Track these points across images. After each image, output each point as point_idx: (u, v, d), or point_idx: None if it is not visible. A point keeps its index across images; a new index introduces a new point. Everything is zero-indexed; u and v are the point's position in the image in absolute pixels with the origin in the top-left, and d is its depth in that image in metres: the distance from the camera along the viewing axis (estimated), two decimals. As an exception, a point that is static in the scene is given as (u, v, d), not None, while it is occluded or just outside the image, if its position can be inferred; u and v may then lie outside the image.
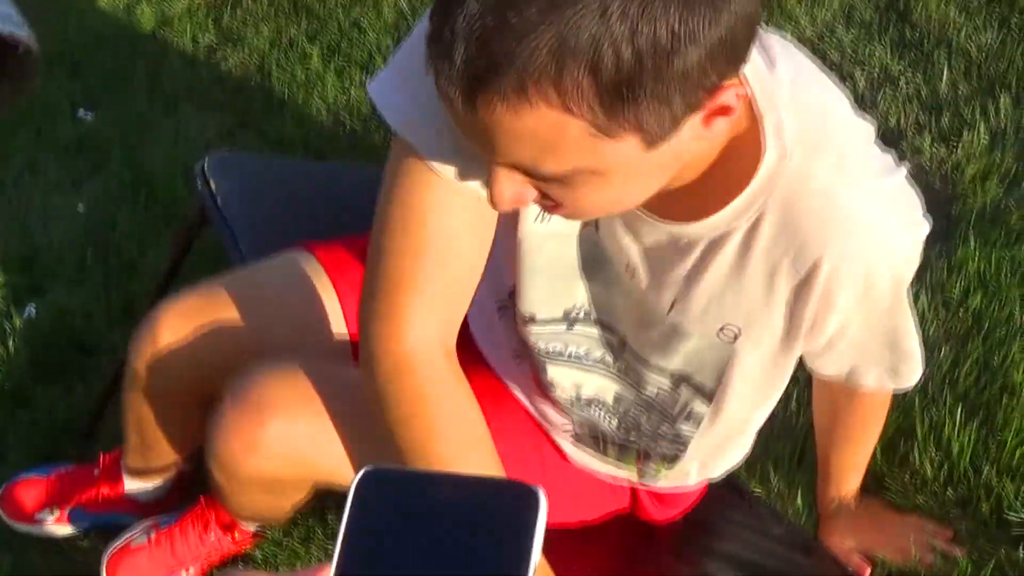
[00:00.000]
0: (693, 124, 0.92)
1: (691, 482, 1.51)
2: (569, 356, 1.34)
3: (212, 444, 1.39)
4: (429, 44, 0.86)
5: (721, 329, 1.17)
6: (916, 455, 1.80)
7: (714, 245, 1.10)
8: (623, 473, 1.47)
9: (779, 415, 1.89)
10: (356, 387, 1.25)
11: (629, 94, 0.83)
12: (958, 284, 2.09)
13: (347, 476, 1.13)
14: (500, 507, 0.52)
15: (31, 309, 2.77)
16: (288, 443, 1.33)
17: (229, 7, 3.59)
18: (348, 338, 1.56)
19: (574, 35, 0.79)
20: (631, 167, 0.92)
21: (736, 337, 1.17)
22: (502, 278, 1.34)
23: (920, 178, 2.26)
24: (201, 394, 1.56)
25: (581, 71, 0.81)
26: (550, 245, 1.24)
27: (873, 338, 1.21)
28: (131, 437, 1.78)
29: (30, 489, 2.00)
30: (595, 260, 1.23)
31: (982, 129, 2.39)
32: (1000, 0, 2.74)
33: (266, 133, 2.98)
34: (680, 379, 1.27)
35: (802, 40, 2.74)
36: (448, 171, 1.12)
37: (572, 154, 0.88)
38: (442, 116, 0.93)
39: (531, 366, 1.41)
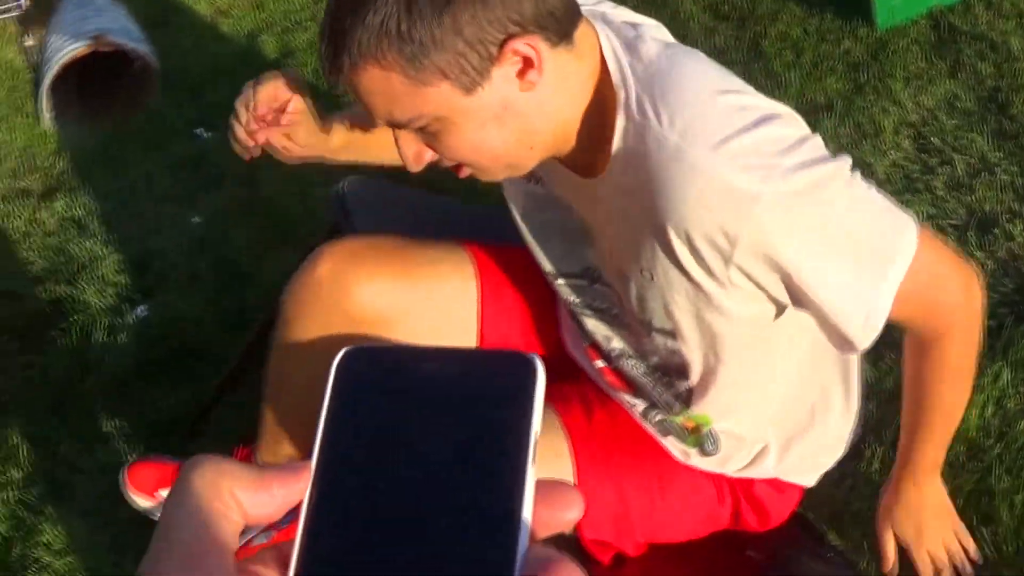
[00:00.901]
0: (505, 75, 1.18)
1: (770, 465, 1.57)
2: (595, 310, 1.51)
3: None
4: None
5: (641, 271, 1.30)
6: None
7: (610, 197, 1.29)
8: (689, 448, 1.56)
9: (861, 472, 2.01)
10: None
11: (419, 48, 1.13)
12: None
13: None
14: (495, 379, 0.50)
15: (142, 309, 2.95)
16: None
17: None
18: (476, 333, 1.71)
19: (373, 19, 1.13)
20: (466, 112, 1.19)
21: (652, 278, 1.29)
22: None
23: (1010, 263, 2.40)
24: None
25: (383, 38, 1.13)
26: (547, 208, 1.48)
27: (834, 276, 1.23)
28: (266, 416, 1.88)
29: (155, 470, 2.13)
30: (569, 227, 1.45)
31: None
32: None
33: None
34: (647, 327, 1.40)
35: (906, 124, 2.89)
36: None
37: (408, 102, 1.18)
38: None
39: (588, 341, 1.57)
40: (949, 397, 1.47)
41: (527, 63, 1.18)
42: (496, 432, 0.48)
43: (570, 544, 1.53)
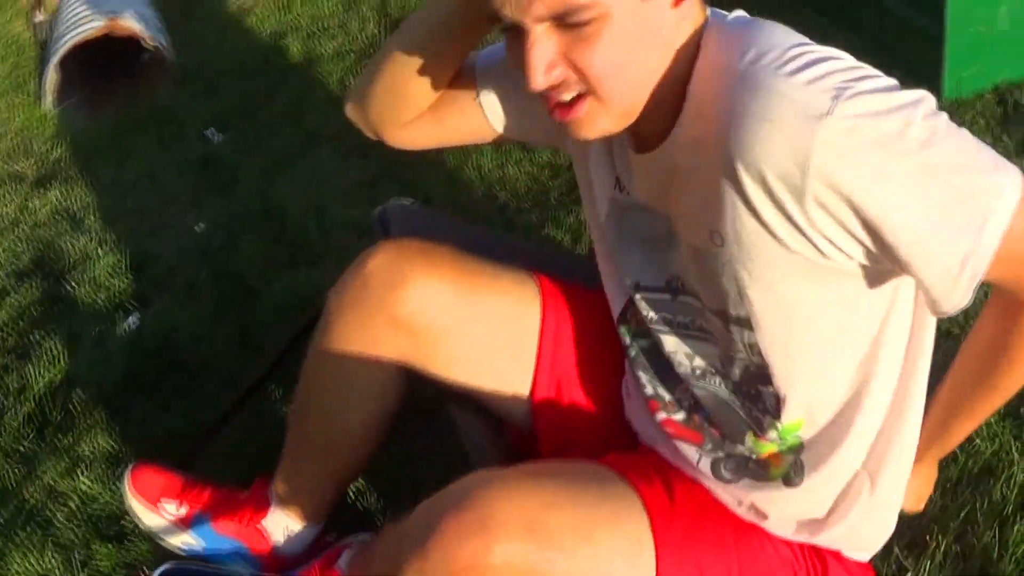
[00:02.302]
0: None
1: (863, 497, 1.43)
2: (677, 325, 1.42)
3: (427, 545, 1.31)
4: None
5: (712, 237, 1.22)
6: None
7: (679, 156, 1.24)
8: (768, 490, 1.44)
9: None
10: (589, 505, 1.36)
11: None
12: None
13: None
14: None
15: (134, 319, 2.79)
16: (514, 568, 1.31)
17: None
18: (532, 373, 1.63)
19: None
20: (633, 17, 1.14)
21: (723, 242, 1.20)
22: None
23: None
24: (392, 367, 1.64)
25: None
26: (631, 216, 1.40)
27: (927, 220, 1.09)
28: (291, 434, 1.79)
29: (161, 478, 1.97)
30: (650, 234, 1.38)
31: None
32: None
33: (412, 190, 3.01)
34: (724, 316, 1.29)
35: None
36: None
37: None
38: None
39: (654, 388, 1.49)
40: (1016, 379, 1.36)
41: None
42: None
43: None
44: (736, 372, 1.37)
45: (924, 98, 1.08)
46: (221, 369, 2.50)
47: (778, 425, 1.37)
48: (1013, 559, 1.81)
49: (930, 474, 1.63)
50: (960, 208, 1.08)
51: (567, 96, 1.19)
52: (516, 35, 1.18)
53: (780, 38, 1.15)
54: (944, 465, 1.95)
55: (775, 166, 1.08)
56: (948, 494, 1.94)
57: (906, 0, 3.14)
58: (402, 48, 1.47)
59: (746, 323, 1.28)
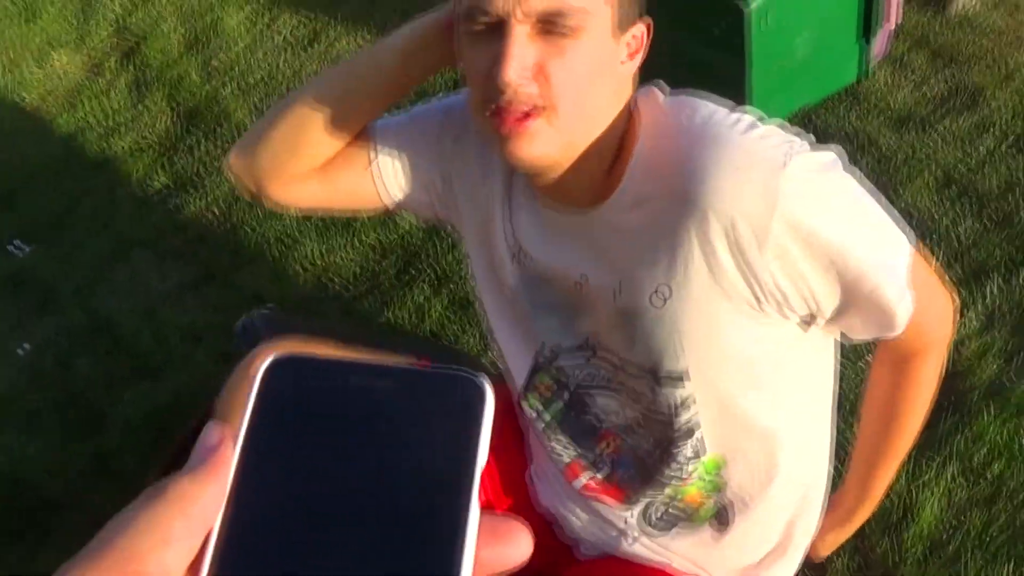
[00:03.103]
0: (627, 41, 1.28)
1: (793, 551, 1.60)
2: (600, 381, 1.49)
3: None
4: None
5: (653, 295, 1.30)
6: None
7: (624, 215, 1.31)
8: (699, 533, 1.55)
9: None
10: None
11: None
12: (979, 453, 2.31)
13: None
14: (439, 400, 0.47)
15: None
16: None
17: (183, 150, 3.67)
18: None
19: None
20: (601, 46, 1.24)
21: (669, 295, 1.29)
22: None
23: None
24: None
25: None
26: (538, 281, 1.46)
27: (829, 286, 1.27)
28: None
29: None
30: (560, 300, 1.45)
31: (979, 308, 2.65)
32: (971, 192, 3.05)
33: (240, 288, 3.02)
34: (655, 375, 1.38)
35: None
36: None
37: None
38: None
39: (585, 456, 1.56)
40: (916, 419, 1.56)
41: (635, 50, 1.31)
42: (438, 458, 0.46)
43: None
44: (659, 424, 1.45)
45: (841, 155, 1.27)
46: (82, 503, 2.46)
47: (699, 464, 1.47)
48: (912, 560, 2.01)
49: (851, 527, 1.74)
50: (890, 242, 1.30)
51: (522, 107, 1.23)
52: (487, 35, 1.22)
53: (714, 103, 1.29)
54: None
55: (744, 211, 1.20)
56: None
57: (705, 43, 3.30)
58: (315, 96, 1.47)
59: (679, 377, 1.36)
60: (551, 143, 1.25)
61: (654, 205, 1.27)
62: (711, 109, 1.27)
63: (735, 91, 3.22)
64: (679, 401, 1.39)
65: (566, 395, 1.53)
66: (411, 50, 1.41)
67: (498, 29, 1.21)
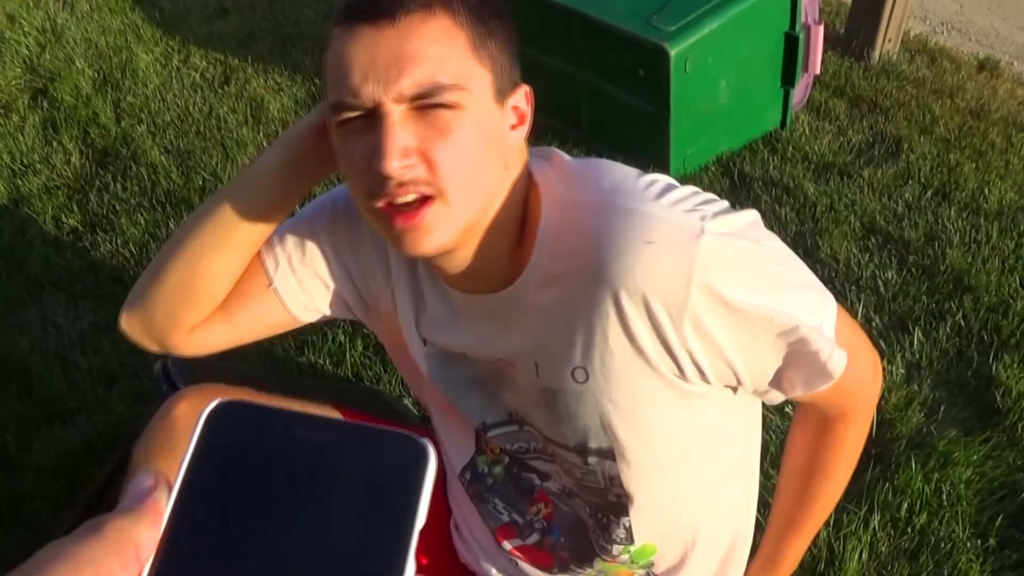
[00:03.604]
0: (507, 113, 1.24)
1: None
2: (535, 451, 1.47)
3: None
4: (346, 14, 1.18)
5: (573, 373, 1.26)
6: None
7: (534, 294, 1.26)
8: None
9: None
10: None
11: (489, 29, 1.20)
12: (904, 504, 2.33)
13: None
14: (382, 458, 0.48)
15: None
16: None
17: (95, 190, 3.61)
18: None
19: None
20: (484, 115, 1.19)
21: (587, 376, 1.26)
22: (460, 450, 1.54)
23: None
24: None
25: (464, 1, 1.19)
26: (452, 363, 1.43)
27: (756, 353, 1.24)
28: None
29: None
30: (480, 377, 1.42)
31: (900, 362, 2.69)
32: (894, 241, 3.11)
33: (155, 329, 2.98)
34: (583, 450, 1.36)
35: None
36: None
37: (460, 65, 1.17)
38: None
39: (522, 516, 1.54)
40: (837, 484, 1.54)
41: (520, 119, 1.26)
42: (376, 515, 0.46)
43: None
44: (591, 498, 1.44)
45: (758, 217, 1.23)
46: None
47: (631, 549, 1.47)
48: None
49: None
50: (813, 300, 1.25)
51: (410, 197, 1.16)
52: (361, 126, 1.17)
53: (620, 170, 1.24)
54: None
55: (658, 287, 1.15)
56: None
57: (628, 88, 3.33)
58: (200, 235, 1.41)
59: (608, 454, 1.34)
60: (447, 230, 1.19)
61: (566, 283, 1.23)
62: (619, 175, 1.23)
63: (658, 134, 3.28)
64: (611, 474, 1.37)
65: (507, 459, 1.52)
66: (288, 167, 1.36)
67: (371, 117, 1.16)
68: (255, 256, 1.45)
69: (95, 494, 2.12)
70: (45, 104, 4.19)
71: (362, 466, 0.47)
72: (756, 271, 1.19)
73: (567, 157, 1.31)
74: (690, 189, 1.22)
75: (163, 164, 3.72)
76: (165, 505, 0.47)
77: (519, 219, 1.27)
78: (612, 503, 1.41)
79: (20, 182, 3.71)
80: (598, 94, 3.43)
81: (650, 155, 3.39)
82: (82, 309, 3.12)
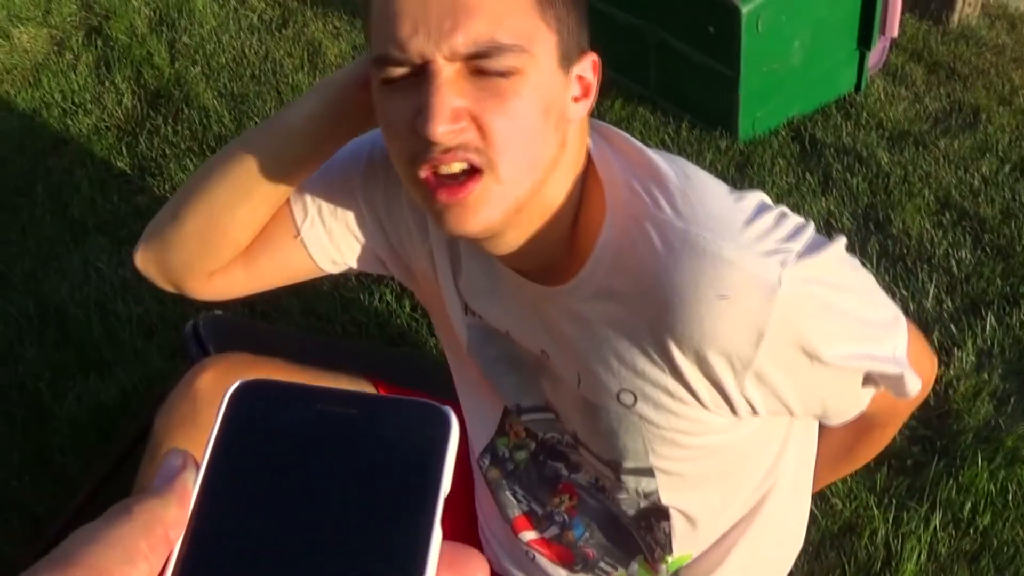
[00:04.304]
0: (572, 84, 1.11)
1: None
2: (568, 444, 1.39)
3: None
4: None
5: (619, 395, 1.20)
6: None
7: (585, 304, 1.17)
8: None
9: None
10: None
11: None
12: (967, 503, 2.21)
13: None
14: (404, 428, 0.48)
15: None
16: None
17: (145, 133, 3.55)
18: None
19: None
20: (546, 82, 1.07)
21: (635, 400, 1.19)
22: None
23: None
24: None
25: None
26: (493, 341, 1.36)
27: (816, 393, 1.20)
28: None
29: None
30: (521, 360, 1.35)
31: (970, 348, 2.56)
32: (969, 217, 2.97)
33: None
34: (616, 468, 1.30)
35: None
36: None
37: (523, 23, 1.04)
38: None
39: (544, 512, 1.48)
40: (867, 459, 1.65)
41: (585, 90, 1.14)
42: (401, 486, 0.46)
43: None
44: (628, 507, 1.37)
45: (842, 247, 1.12)
46: (20, 502, 2.35)
47: (668, 559, 1.40)
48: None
49: None
50: (887, 339, 1.17)
51: (457, 167, 1.06)
52: (407, 84, 1.05)
53: (701, 184, 1.12)
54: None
55: (724, 343, 1.07)
56: (813, 558, 2.01)
57: (697, 45, 3.22)
58: (224, 179, 1.32)
59: (646, 472, 1.28)
60: (496, 210, 1.08)
61: (621, 305, 1.14)
62: (699, 192, 1.10)
63: (727, 95, 3.17)
64: (645, 490, 1.31)
65: (533, 445, 1.44)
66: (326, 118, 1.25)
67: (420, 74, 1.04)
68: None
69: (114, 464, 2.06)
70: (99, 42, 4.14)
71: (385, 437, 0.48)
72: (832, 320, 1.11)
73: (634, 142, 1.19)
74: (776, 213, 1.11)
75: (215, 108, 3.65)
76: (193, 486, 0.47)
77: (575, 205, 1.17)
78: (649, 509, 1.35)
79: (70, 121, 3.66)
80: (666, 50, 3.31)
81: (718, 116, 3.28)
82: (125, 255, 3.06)
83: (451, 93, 1.02)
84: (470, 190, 1.06)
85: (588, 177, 1.17)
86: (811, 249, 1.08)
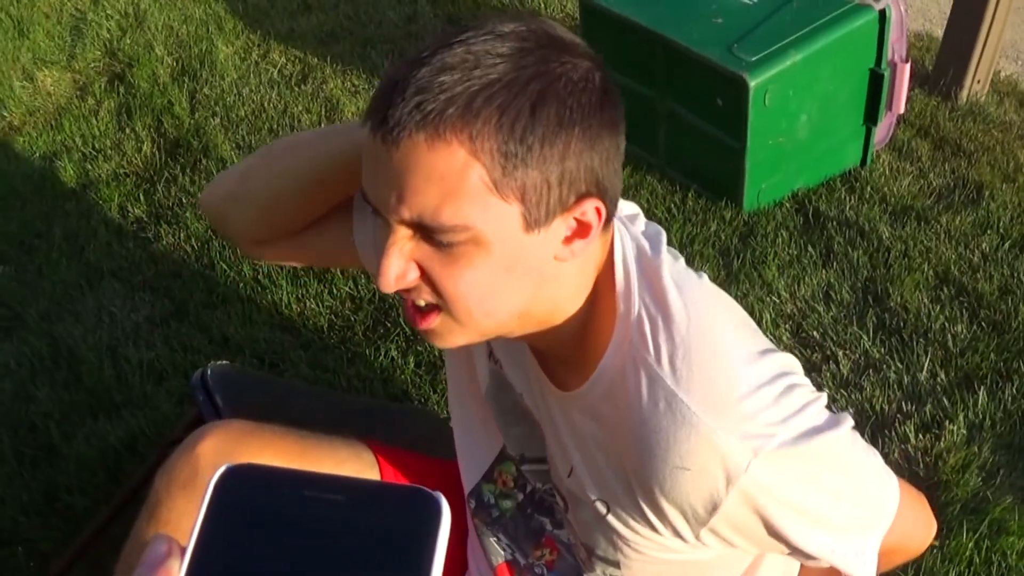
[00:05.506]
0: (557, 231, 1.09)
1: None
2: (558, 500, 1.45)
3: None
4: (372, 99, 1.06)
5: (595, 502, 1.26)
6: None
7: (579, 416, 1.23)
8: None
9: None
10: None
11: (522, 154, 1.02)
12: (951, 573, 2.27)
13: None
14: (395, 515, 0.48)
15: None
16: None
17: (163, 181, 3.66)
18: None
19: (494, 95, 1.01)
20: (508, 248, 1.07)
21: (607, 511, 1.25)
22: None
23: (905, 465, 2.49)
24: None
25: (494, 121, 1.01)
26: (505, 392, 1.41)
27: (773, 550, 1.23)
28: None
29: None
30: (530, 415, 1.39)
31: (961, 421, 2.64)
32: (967, 292, 3.05)
33: (208, 328, 3.00)
34: (590, 552, 1.37)
35: (783, 315, 2.99)
36: None
37: (468, 206, 1.03)
38: None
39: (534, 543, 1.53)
40: None
41: (581, 230, 1.11)
42: (392, 574, 0.46)
43: None
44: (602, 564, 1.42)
45: (843, 431, 1.15)
46: (27, 538, 2.43)
47: None
48: None
49: None
50: (853, 533, 1.21)
51: (420, 302, 1.12)
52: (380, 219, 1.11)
53: (712, 339, 1.13)
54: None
55: (679, 505, 1.14)
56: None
57: (706, 117, 3.30)
58: (294, 175, 1.41)
59: (612, 564, 1.34)
60: (460, 338, 1.15)
61: (604, 430, 1.20)
62: (699, 355, 1.11)
63: (734, 166, 3.25)
64: (612, 573, 1.38)
65: (520, 496, 1.50)
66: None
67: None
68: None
69: (119, 506, 2.14)
70: (121, 89, 4.26)
71: (374, 524, 0.48)
72: (793, 512, 1.14)
73: (661, 259, 1.20)
74: (784, 386, 1.12)
75: (233, 160, 3.76)
76: (178, 571, 0.47)
77: (583, 317, 1.20)
78: None
79: (90, 166, 3.77)
80: (676, 121, 3.41)
81: (724, 186, 3.36)
82: (139, 301, 3.16)
83: (400, 257, 1.08)
84: (432, 320, 1.13)
85: (604, 281, 1.20)
86: (801, 437, 1.10)
